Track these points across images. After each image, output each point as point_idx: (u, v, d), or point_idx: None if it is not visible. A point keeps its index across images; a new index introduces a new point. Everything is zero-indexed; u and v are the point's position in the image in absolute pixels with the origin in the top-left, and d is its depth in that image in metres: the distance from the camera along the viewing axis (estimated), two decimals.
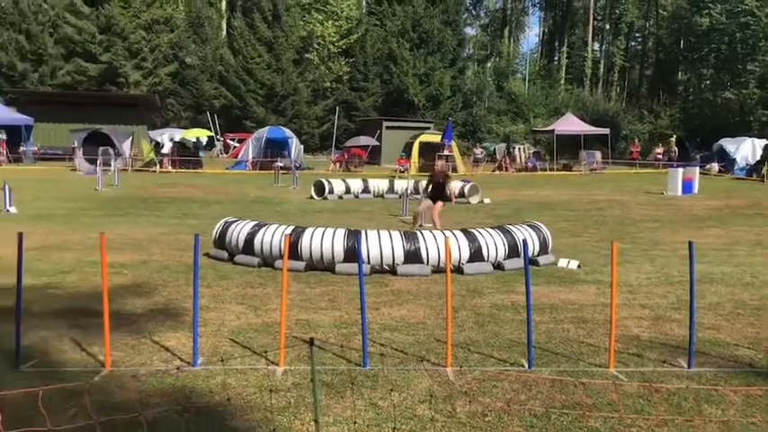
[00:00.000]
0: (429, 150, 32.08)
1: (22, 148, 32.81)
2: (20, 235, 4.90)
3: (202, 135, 39.06)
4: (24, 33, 43.84)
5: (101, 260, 5.00)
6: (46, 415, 3.02)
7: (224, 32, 55.46)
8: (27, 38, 43.84)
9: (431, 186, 11.94)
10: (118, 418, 3.61)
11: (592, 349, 5.61)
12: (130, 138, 30.62)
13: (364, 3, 54.65)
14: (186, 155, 30.98)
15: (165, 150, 30.10)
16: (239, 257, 8.97)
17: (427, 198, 12.01)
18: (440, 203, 11.76)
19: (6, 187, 14.18)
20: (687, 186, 21.15)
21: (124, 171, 26.14)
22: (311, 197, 18.58)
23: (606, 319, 6.25)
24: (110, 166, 24.28)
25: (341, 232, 8.58)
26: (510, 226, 9.39)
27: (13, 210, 13.92)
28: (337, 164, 33.59)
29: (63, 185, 21.13)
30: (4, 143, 31.04)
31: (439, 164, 12.57)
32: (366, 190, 19.73)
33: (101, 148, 27.23)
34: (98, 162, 23.73)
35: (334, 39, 50.51)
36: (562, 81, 62.36)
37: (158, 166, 29.17)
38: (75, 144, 28.95)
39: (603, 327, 6.14)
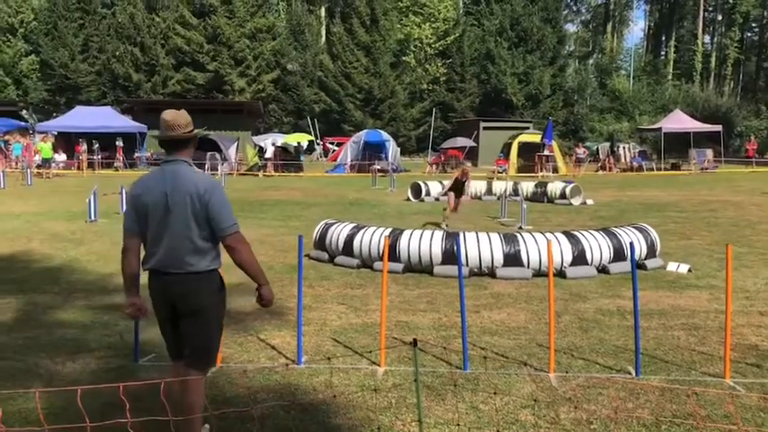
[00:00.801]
0: (528, 150, 31.54)
1: (136, 154, 34.87)
2: None
3: (303, 140, 40.16)
4: (139, 46, 46.74)
5: None
6: (167, 405, 3.21)
7: (323, 39, 56.83)
8: (141, 50, 46.71)
9: (452, 185, 12.97)
10: (230, 411, 3.79)
11: (705, 358, 5.34)
12: (236, 143, 31.89)
13: (461, 3, 54.46)
14: (288, 159, 31.95)
15: (269, 155, 31.12)
16: (339, 259, 9.16)
17: (450, 192, 13.11)
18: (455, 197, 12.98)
19: (123, 191, 15.12)
20: None
21: (230, 175, 27.26)
22: (408, 199, 18.68)
23: (720, 326, 5.94)
24: (217, 170, 25.39)
25: (439, 234, 8.60)
26: (615, 228, 9.09)
27: None
28: (434, 166, 33.61)
29: None
30: (120, 149, 33.10)
31: (468, 166, 13.65)
32: None
33: (208, 153, 28.57)
34: (206, 166, 24.90)
35: (431, 40, 50.63)
36: (669, 76, 59.69)
37: (262, 170, 30.22)
38: None
39: (717, 334, 5.84)
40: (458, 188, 12.96)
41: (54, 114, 42.37)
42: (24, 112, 42.04)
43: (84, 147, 31.94)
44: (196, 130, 3.67)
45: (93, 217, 13.65)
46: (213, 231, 3.52)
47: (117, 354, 5.40)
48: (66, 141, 33.57)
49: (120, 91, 46.66)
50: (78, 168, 31.03)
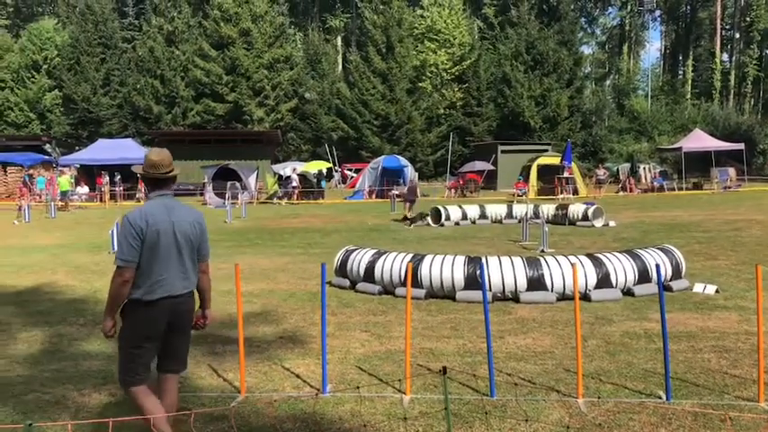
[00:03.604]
0: (548, 173, 31.47)
1: None
2: None
3: (323, 167, 40.44)
4: (159, 78, 47.51)
5: (233, 289, 5.26)
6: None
7: (340, 67, 57.40)
8: (161, 82, 47.48)
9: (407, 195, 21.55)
10: None
11: (737, 381, 5.23)
12: (255, 172, 32.16)
13: (476, 28, 54.81)
14: (307, 187, 32.13)
15: (295, 183, 31.24)
16: (360, 285, 9.14)
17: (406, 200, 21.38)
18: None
19: None
20: None
21: (250, 204, 27.44)
22: (428, 224, 18.66)
23: (752, 348, 5.83)
24: (237, 199, 25.58)
25: (461, 259, 8.56)
26: (639, 250, 9.00)
27: None
28: (453, 190, 33.64)
29: None
30: (142, 181, 33.50)
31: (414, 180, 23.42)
32: (483, 215, 19.58)
33: (229, 183, 28.82)
34: (227, 196, 25.10)
35: (447, 66, 50.90)
36: (688, 96, 59.38)
37: (285, 199, 30.36)
38: (206, 179, 30.75)
39: (750, 357, 5.73)
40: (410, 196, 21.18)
41: (77, 148, 43.06)
42: (48, 146, 42.85)
43: (105, 179, 32.40)
44: (177, 170, 4.08)
45: (115, 248, 13.75)
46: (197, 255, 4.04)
47: None
48: (88, 174, 34.07)
49: (141, 123, 47.36)
50: (100, 200, 31.45)
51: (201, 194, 31.95)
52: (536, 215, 17.72)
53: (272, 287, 9.66)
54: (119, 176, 33.01)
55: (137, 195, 32.98)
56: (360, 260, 9.21)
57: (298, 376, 5.58)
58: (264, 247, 14.59)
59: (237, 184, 29.50)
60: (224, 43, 48.03)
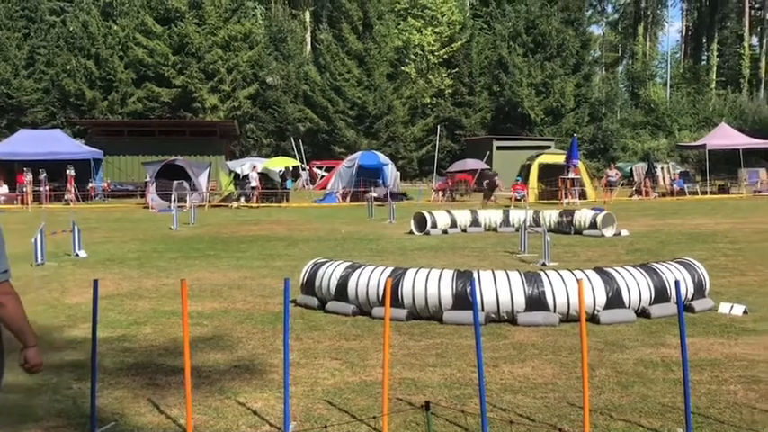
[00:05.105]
0: (551, 173, 31.73)
1: (90, 185, 34.95)
2: (95, 283, 5.20)
3: (288, 165, 40.37)
4: (93, 58, 47.19)
5: (178, 309, 5.22)
6: None
7: (308, 47, 57.43)
8: (96, 63, 47.17)
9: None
10: None
11: None
12: (207, 169, 32.02)
13: (468, 5, 55.20)
14: (269, 187, 32.04)
15: (254, 183, 31.15)
16: (331, 305, 9.11)
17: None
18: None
19: (75, 229, 15.12)
20: None
21: (201, 207, 27.27)
22: (411, 232, 18.70)
23: None
24: (185, 201, 25.42)
25: (449, 274, 8.57)
26: (656, 264, 9.09)
27: (82, 254, 14.80)
28: (440, 192, 33.77)
29: (135, 225, 22.25)
30: (72, 179, 33.16)
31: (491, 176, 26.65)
32: (476, 223, 19.66)
33: (175, 182, 28.63)
34: (172, 198, 24.93)
35: (434, 48, 51.16)
36: (713, 85, 60.37)
37: (242, 201, 30.23)
38: (148, 178, 30.52)
39: None
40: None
41: None
42: None
43: (28, 177, 31.97)
44: None
45: (39, 259, 13.61)
46: None
47: (69, 423, 5.33)
48: (7, 170, 33.62)
49: (72, 111, 46.98)
50: (22, 202, 31.05)
51: (143, 196, 31.71)
52: (536, 222, 17.83)
53: (226, 307, 9.59)
54: (44, 174, 32.60)
55: (65, 197, 32.65)
56: (330, 275, 9.18)
57: (255, 412, 5.54)
58: (217, 258, 14.50)
59: (185, 184, 29.34)
60: (171, 18, 47.86)
